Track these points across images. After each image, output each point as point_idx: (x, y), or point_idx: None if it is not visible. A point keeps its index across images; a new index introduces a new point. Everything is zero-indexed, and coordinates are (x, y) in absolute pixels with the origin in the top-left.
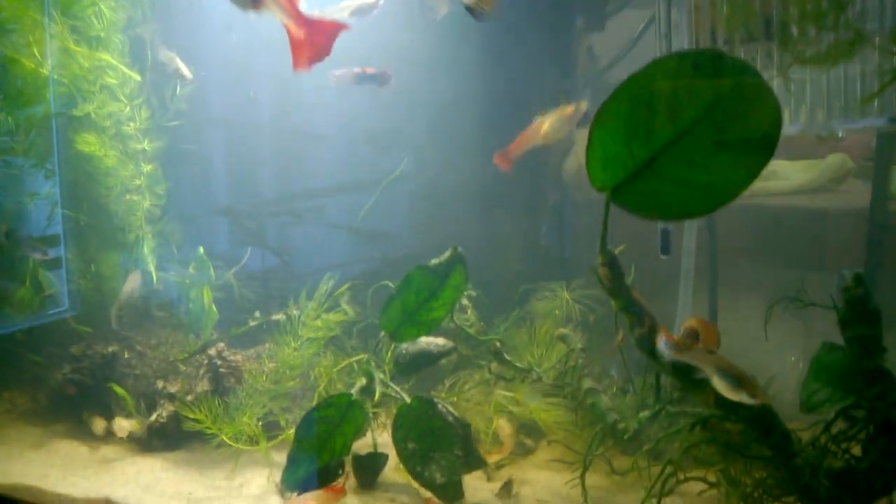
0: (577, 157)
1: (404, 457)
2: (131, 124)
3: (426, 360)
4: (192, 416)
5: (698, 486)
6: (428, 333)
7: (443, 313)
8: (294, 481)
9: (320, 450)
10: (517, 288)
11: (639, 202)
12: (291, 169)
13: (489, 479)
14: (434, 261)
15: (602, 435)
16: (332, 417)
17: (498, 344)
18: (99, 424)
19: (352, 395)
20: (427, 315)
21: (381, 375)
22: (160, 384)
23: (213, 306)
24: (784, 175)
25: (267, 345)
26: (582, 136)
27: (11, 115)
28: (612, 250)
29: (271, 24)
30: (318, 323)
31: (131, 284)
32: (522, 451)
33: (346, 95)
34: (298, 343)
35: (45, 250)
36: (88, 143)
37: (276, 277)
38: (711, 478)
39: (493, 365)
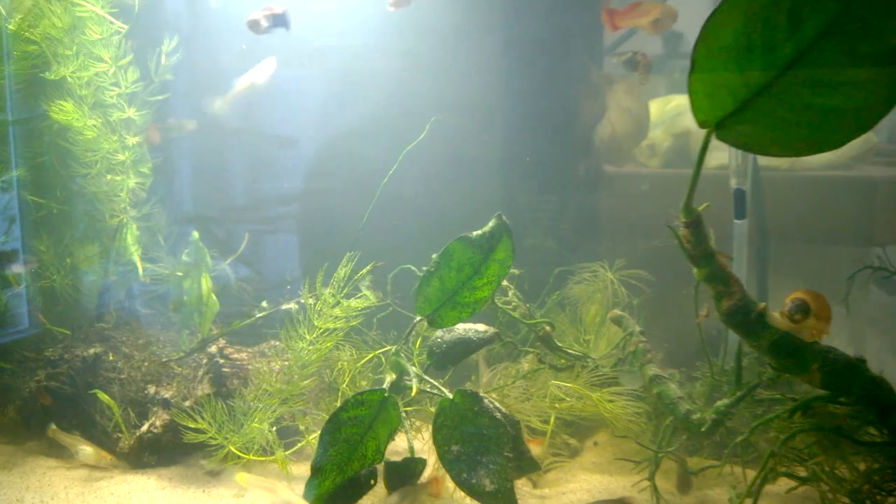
0: (610, 123)
1: (448, 461)
2: (114, 90)
3: (465, 349)
4: (192, 424)
5: (784, 485)
6: (470, 316)
7: (487, 293)
8: (319, 495)
9: (350, 457)
10: (551, 270)
11: (751, 137)
12: (262, 173)
13: (535, 485)
14: (476, 232)
15: (673, 428)
16: (362, 418)
17: (548, 328)
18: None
19: (385, 390)
20: (470, 295)
21: (414, 369)
22: (152, 389)
23: (214, 296)
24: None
25: (272, 342)
26: (617, 99)
27: None
28: (697, 209)
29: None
30: (337, 311)
31: None
32: (568, 453)
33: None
34: (314, 335)
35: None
36: (64, 111)
37: (248, 288)
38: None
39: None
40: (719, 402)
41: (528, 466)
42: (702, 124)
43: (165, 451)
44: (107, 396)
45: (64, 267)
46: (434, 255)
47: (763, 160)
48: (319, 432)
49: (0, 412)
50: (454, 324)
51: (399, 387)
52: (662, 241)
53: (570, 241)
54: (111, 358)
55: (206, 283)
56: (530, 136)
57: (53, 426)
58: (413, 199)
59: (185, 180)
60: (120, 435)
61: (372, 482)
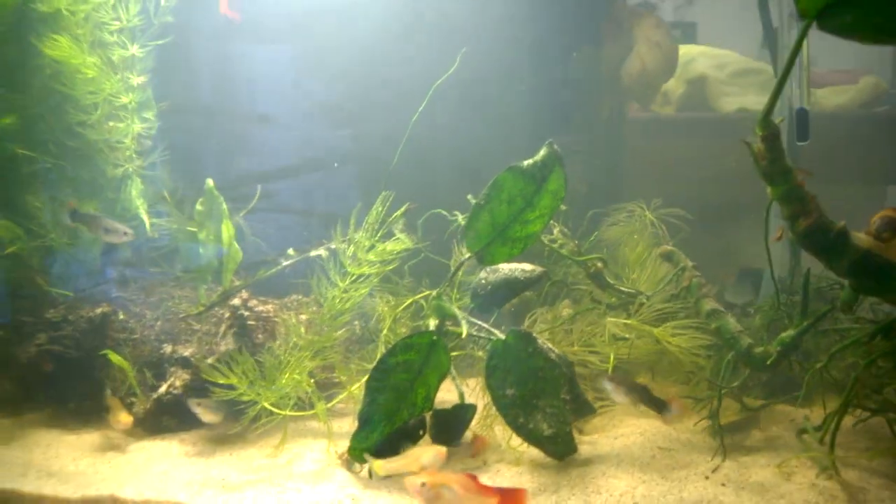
0: (640, 58)
1: (503, 406)
2: (115, 24)
3: (511, 289)
4: (222, 380)
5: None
6: (521, 253)
7: (539, 227)
8: (366, 447)
9: (399, 405)
10: (583, 213)
11: (856, 23)
12: (236, 152)
13: (581, 431)
14: (527, 161)
15: (733, 364)
16: (412, 363)
17: (600, 265)
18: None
19: (434, 333)
20: (521, 230)
21: (459, 312)
22: (168, 348)
23: (236, 245)
24: (820, 97)
25: (293, 296)
26: (646, 33)
27: None
28: (775, 121)
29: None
30: (371, 256)
31: None
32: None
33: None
34: (347, 283)
35: (123, 231)
36: (60, 46)
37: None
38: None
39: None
40: (784, 334)
41: (584, 409)
42: (802, 13)
43: (186, 413)
44: (119, 357)
45: (62, 224)
46: (467, 200)
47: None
48: (364, 380)
49: None
50: (504, 261)
51: (442, 332)
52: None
53: (600, 183)
54: (121, 317)
55: (226, 231)
56: (554, 74)
57: (109, 392)
58: (444, 142)
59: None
60: (134, 399)
61: (421, 432)
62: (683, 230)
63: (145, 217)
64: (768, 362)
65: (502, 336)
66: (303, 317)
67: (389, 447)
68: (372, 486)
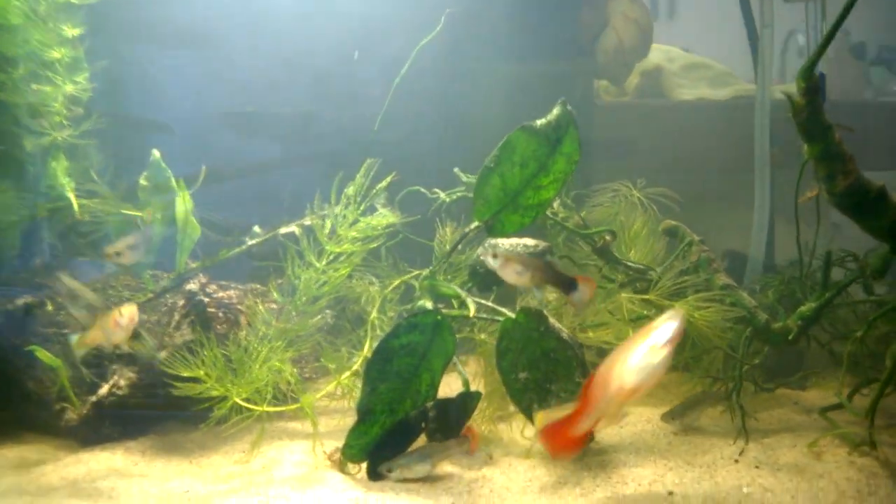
0: (616, 33)
1: (515, 391)
2: None
3: None
4: (188, 373)
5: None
6: (532, 222)
7: (552, 193)
8: (365, 443)
9: (402, 394)
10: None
11: None
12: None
13: None
14: (539, 121)
15: (750, 339)
16: (416, 346)
17: (608, 238)
18: None
19: (439, 311)
20: (534, 196)
21: (458, 291)
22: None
23: (193, 219)
24: None
25: (252, 285)
26: (621, 8)
27: None
28: (817, 74)
29: None
30: (353, 232)
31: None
32: None
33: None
34: (324, 263)
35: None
36: None
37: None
38: None
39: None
40: (803, 307)
41: None
42: None
43: (130, 420)
44: (48, 354)
45: None
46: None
47: None
48: (363, 367)
49: None
50: (516, 230)
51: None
52: None
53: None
54: (49, 308)
55: (181, 205)
56: (526, 49)
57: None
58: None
59: None
60: (65, 406)
61: (423, 424)
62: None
63: (73, 197)
64: (790, 337)
65: (511, 315)
66: (272, 305)
67: (390, 443)
68: (375, 489)
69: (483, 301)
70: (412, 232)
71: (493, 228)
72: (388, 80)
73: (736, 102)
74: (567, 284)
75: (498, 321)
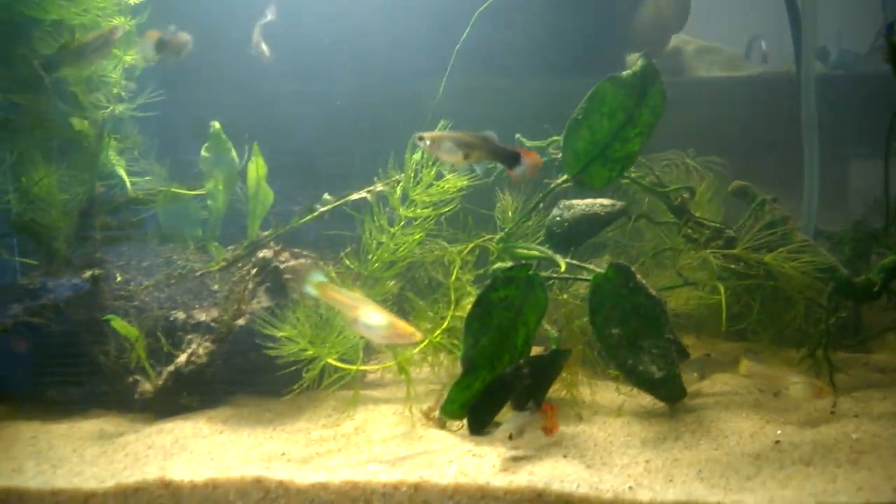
0: (654, 2)
1: (609, 347)
2: None
3: (591, 226)
4: (283, 333)
5: None
6: (619, 175)
7: (637, 146)
8: (466, 400)
9: (501, 347)
10: None
11: None
12: None
13: None
14: (625, 72)
15: (832, 294)
16: (512, 299)
17: (686, 195)
18: None
19: (531, 266)
20: (622, 148)
21: (542, 250)
22: (180, 315)
23: (266, 186)
24: None
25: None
26: None
27: None
28: None
29: None
30: (425, 196)
31: None
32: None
33: None
34: (398, 228)
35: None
36: None
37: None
38: None
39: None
40: (885, 261)
41: (682, 351)
42: None
43: (208, 389)
44: (124, 325)
45: (23, 185)
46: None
47: None
48: (465, 320)
49: None
50: (604, 184)
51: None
52: None
53: None
54: (118, 280)
55: (254, 171)
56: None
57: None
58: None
59: None
60: (137, 378)
61: (517, 382)
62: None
63: (125, 175)
64: (875, 289)
65: (601, 271)
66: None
67: (488, 399)
68: (484, 443)
69: (572, 261)
70: (468, 201)
71: (582, 182)
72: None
73: (758, 80)
74: (509, 158)
75: (580, 280)
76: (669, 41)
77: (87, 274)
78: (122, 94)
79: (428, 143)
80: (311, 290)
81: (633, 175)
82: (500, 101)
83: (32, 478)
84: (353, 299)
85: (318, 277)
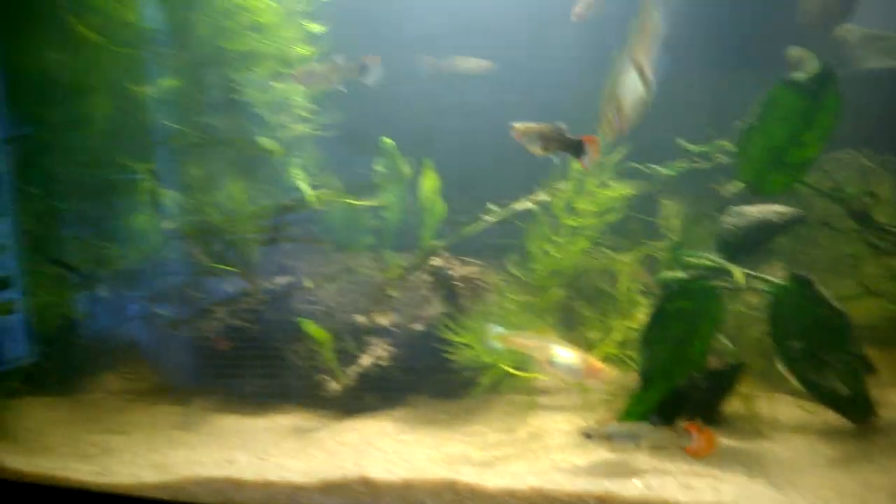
0: None
1: (789, 360)
2: None
3: (765, 234)
4: (460, 338)
5: None
6: (797, 180)
7: (816, 152)
8: (643, 412)
9: (678, 359)
10: None
11: None
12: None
13: None
14: (800, 75)
15: None
16: (687, 312)
17: (867, 199)
18: None
19: (707, 278)
20: (799, 153)
21: (717, 259)
22: (362, 319)
23: (439, 199)
24: None
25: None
26: None
27: None
28: None
29: None
30: (590, 205)
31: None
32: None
33: None
34: (565, 238)
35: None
36: None
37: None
38: None
39: None
40: None
41: (866, 369)
42: None
43: (388, 389)
44: (316, 328)
45: (218, 200)
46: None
47: None
48: (642, 332)
49: (160, 369)
50: (781, 191)
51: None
52: None
53: None
54: (309, 286)
55: (428, 184)
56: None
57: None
58: None
59: None
60: (323, 378)
61: (693, 394)
62: None
63: (307, 188)
64: None
65: (781, 282)
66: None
67: (664, 411)
68: (662, 457)
69: (745, 270)
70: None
71: (757, 188)
72: None
73: None
74: (576, 147)
75: (760, 290)
76: (834, 30)
77: (284, 280)
78: (304, 114)
79: (514, 133)
80: (495, 343)
81: (809, 180)
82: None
83: (245, 468)
84: (537, 339)
85: (498, 330)
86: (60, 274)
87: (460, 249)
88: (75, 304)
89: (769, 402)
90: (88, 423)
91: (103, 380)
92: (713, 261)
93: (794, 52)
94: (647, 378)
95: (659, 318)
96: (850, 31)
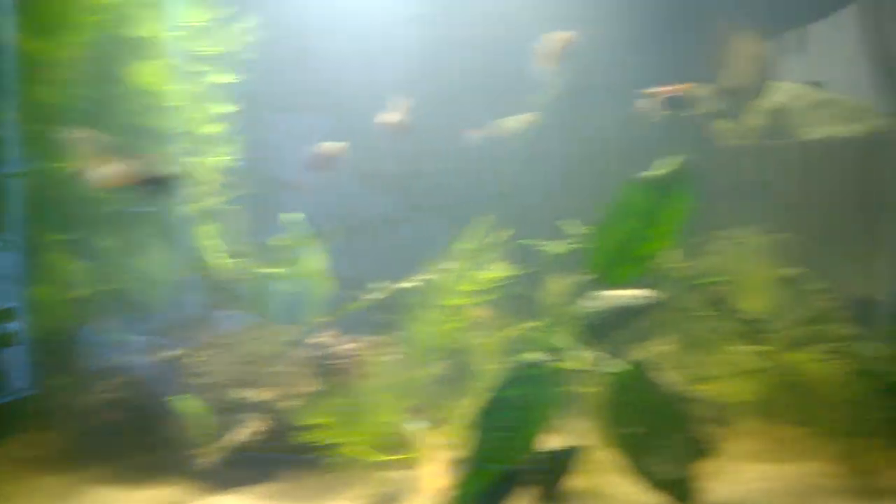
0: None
1: (622, 445)
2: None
3: (624, 317)
4: (320, 420)
5: None
6: (643, 272)
7: (662, 245)
8: (472, 496)
9: (509, 446)
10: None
11: None
12: None
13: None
14: (652, 173)
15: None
16: (522, 398)
17: (722, 288)
18: None
19: (543, 363)
20: (646, 246)
21: (566, 342)
22: (245, 392)
23: (326, 277)
24: None
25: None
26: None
27: None
28: None
29: None
30: (465, 286)
31: None
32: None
33: None
34: (441, 315)
35: None
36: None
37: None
38: None
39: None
40: None
41: (698, 452)
42: None
43: (260, 464)
44: (192, 404)
45: (127, 269)
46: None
47: None
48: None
49: (61, 438)
50: (626, 282)
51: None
52: None
53: None
54: (198, 359)
55: (315, 262)
56: None
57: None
58: None
59: None
60: (198, 451)
61: (524, 478)
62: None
63: (211, 258)
64: None
65: (619, 367)
66: (393, 357)
67: (495, 493)
68: None
69: (594, 352)
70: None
71: (605, 279)
72: None
73: (870, 139)
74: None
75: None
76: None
77: (169, 354)
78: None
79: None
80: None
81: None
82: None
83: None
84: None
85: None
86: None
87: (358, 324)
88: None
89: (618, 479)
90: None
91: (10, 445)
92: (563, 343)
93: (641, 103)
94: (472, 463)
95: (493, 405)
96: (801, 96)
